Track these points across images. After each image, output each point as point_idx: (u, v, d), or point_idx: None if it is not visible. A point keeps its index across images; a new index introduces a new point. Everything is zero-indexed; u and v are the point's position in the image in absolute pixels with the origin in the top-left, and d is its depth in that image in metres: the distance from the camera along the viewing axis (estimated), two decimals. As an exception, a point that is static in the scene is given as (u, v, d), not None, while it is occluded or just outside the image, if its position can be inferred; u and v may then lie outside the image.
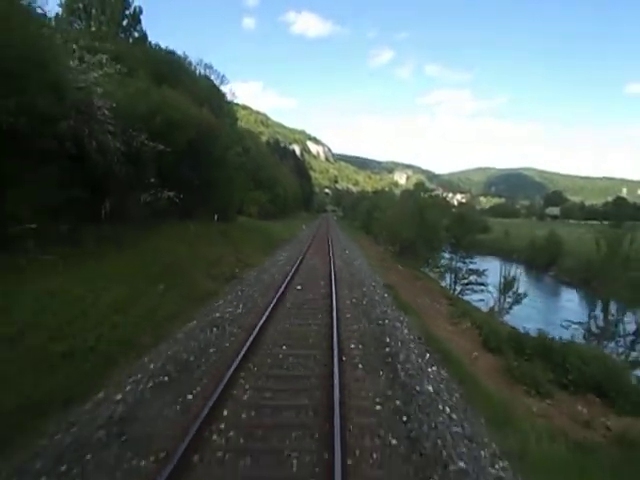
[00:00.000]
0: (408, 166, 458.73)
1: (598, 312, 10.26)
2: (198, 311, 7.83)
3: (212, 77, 35.58)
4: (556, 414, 5.16)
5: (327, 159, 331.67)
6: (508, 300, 14.10)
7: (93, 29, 23.44)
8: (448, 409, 4.28)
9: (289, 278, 10.79)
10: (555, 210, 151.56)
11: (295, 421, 3.82)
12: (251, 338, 5.87)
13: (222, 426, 3.64)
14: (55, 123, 8.43)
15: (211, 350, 5.56)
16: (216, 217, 17.16)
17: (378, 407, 4.13)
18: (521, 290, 14.68)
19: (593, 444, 4.27)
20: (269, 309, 7.50)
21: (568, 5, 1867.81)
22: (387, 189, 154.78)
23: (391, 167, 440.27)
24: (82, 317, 6.15)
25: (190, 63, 32.10)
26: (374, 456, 3.30)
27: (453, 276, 20.57)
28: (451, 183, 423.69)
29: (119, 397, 4.12)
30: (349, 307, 8.37)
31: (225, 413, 3.88)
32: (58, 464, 3.04)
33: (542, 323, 11.42)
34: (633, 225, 15.75)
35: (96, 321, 6.13)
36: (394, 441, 3.52)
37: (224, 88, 35.82)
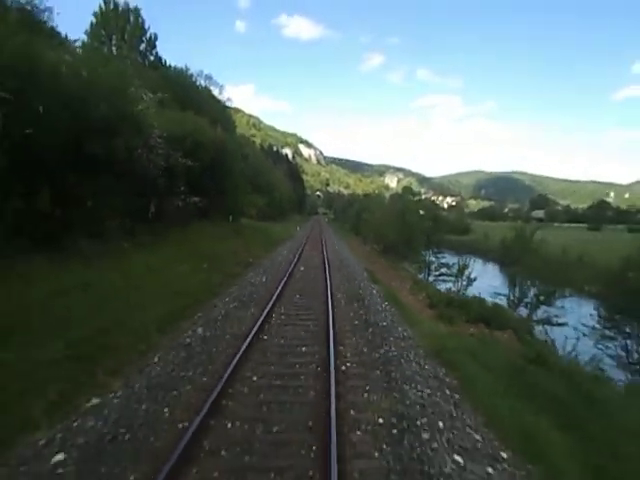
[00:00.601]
0: (399, 169, 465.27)
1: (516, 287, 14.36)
2: (235, 282, 11.55)
3: (211, 87, 39.30)
4: (455, 330, 9.02)
5: (319, 162, 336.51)
6: (464, 283, 18.22)
7: (115, 53, 27.04)
8: (390, 316, 8.15)
9: (293, 264, 14.57)
10: (540, 213, 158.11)
11: (309, 318, 7.61)
12: (276, 292, 9.62)
13: (271, 322, 7.42)
14: (133, 152, 12.13)
15: (255, 296, 9.33)
16: (230, 218, 20.87)
17: (351, 313, 7.98)
18: (476, 276, 18.80)
19: (464, 336, 8.16)
20: (284, 280, 11.26)
21: (557, 13, 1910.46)
22: (377, 192, 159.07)
23: (382, 170, 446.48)
24: (170, 278, 9.88)
25: (191, 74, 35.50)
26: (347, 326, 7.12)
27: (426, 269, 24.54)
28: (442, 186, 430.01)
29: (222, 311, 7.87)
30: (338, 279, 12.17)
31: (273, 319, 7.65)
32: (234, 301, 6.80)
33: (487, 295, 15.36)
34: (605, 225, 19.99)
35: (180, 280, 9.86)
36: (356, 322, 7.37)
37: (222, 97, 39.50)
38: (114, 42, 27.61)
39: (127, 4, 28.30)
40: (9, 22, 9.06)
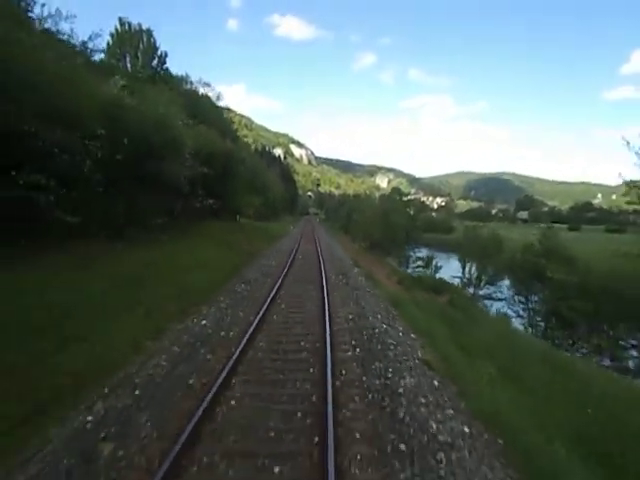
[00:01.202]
0: (390, 170, 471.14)
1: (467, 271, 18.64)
2: (251, 264, 15.33)
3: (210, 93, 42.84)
4: (410, 294, 12.96)
5: (310, 162, 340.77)
6: (432, 270, 22.46)
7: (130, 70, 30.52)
8: (365, 284, 12.08)
9: (293, 254, 18.38)
10: (525, 214, 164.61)
11: (310, 282, 11.45)
12: (285, 269, 13.44)
13: (285, 278, 11.26)
14: (172, 167, 15.83)
15: (270, 270, 13.15)
16: (238, 217, 24.63)
17: (338, 282, 11.88)
18: (442, 265, 23.04)
19: (414, 296, 12.12)
20: (288, 263, 15.07)
21: (549, 14, 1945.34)
22: (368, 192, 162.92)
23: (374, 170, 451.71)
24: (206, 260, 13.64)
25: (191, 81, 38.81)
26: (335, 286, 11.00)
27: (405, 261, 28.63)
28: (432, 187, 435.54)
29: (251, 276, 11.67)
30: (330, 265, 16.01)
31: (287, 278, 11.47)
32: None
33: (447, 278, 19.44)
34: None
35: (213, 261, 13.64)
36: (341, 284, 11.28)
37: (221, 103, 43.05)
38: (128, 59, 31.09)
39: (140, 25, 31.84)
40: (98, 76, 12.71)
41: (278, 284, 10.52)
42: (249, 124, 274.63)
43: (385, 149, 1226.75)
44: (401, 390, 4.79)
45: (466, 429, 4.24)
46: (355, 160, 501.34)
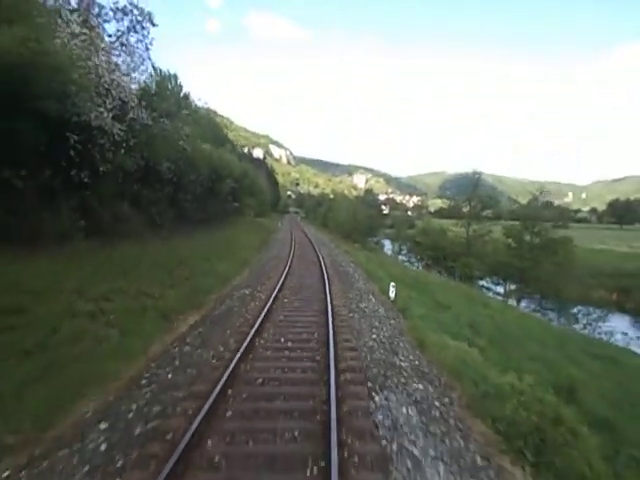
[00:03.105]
0: (368, 169, 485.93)
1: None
2: (274, 237, 27.07)
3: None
4: (369, 256, 25.06)
5: (289, 162, 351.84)
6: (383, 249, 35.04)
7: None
8: (341, 254, 24.27)
9: (292, 235, 30.21)
10: (488, 212, 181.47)
11: (310, 250, 23.40)
12: (291, 242, 25.31)
13: (291, 261, 23.21)
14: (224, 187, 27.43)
15: (284, 242, 25.05)
16: (253, 214, 36.33)
17: (325, 252, 24.00)
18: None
19: (358, 252, 24.29)
20: (292, 238, 26.92)
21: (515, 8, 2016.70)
22: (346, 192, 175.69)
23: (351, 170, 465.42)
24: (251, 235, 25.39)
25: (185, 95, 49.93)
26: (321, 249, 23.04)
27: (365, 244, 41.03)
28: (409, 186, 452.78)
29: (274, 252, 23.55)
30: (316, 241, 27.99)
31: (295, 243, 23.35)
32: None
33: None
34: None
35: (254, 235, 25.44)
36: (328, 252, 23.42)
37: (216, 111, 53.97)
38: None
39: (168, 71, 42.74)
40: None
41: (294, 241, 22.39)
42: (229, 125, 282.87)
43: (363, 149, 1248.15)
44: (347, 270, 16.86)
45: (353, 269, 16.34)
46: (333, 160, 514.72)
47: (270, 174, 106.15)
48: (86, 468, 3.50)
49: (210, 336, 7.22)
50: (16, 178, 8.52)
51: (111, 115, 11.10)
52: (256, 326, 7.17)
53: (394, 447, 3.89)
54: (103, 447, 3.79)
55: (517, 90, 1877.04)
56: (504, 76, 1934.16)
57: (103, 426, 4.17)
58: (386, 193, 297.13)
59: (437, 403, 5.03)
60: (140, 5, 14.13)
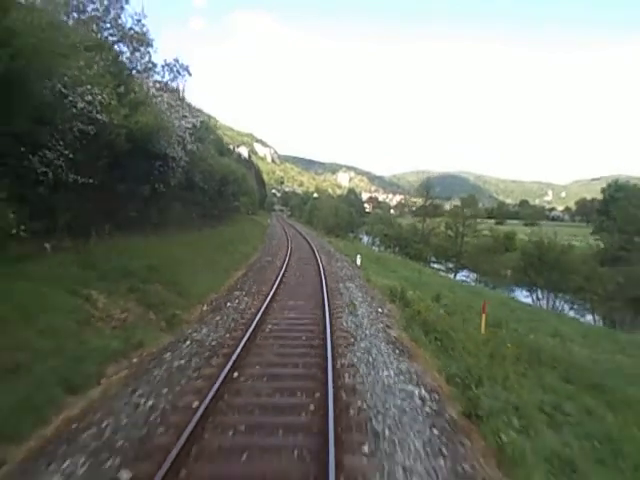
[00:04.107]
0: (351, 167, 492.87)
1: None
2: (271, 230, 33.80)
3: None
4: (348, 246, 32.07)
5: (273, 160, 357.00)
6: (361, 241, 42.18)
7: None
8: (326, 243, 31.26)
9: (284, 229, 36.97)
10: (465, 212, 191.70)
11: (303, 239, 30.29)
12: (286, 234, 32.13)
13: (290, 245, 30.11)
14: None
15: (279, 235, 31.86)
16: (249, 211, 42.98)
17: (313, 241, 30.95)
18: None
19: (338, 242, 31.36)
20: (285, 231, 33.71)
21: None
22: (330, 191, 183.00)
23: (335, 168, 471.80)
24: (252, 228, 32.09)
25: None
26: (314, 243, 29.97)
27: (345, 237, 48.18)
28: (392, 184, 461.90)
29: (275, 240, 30.39)
30: (308, 238, 34.82)
31: (289, 234, 30.20)
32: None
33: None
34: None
35: (255, 228, 32.17)
36: (316, 241, 30.35)
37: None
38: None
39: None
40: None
41: (287, 234, 29.20)
42: (214, 123, 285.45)
43: (346, 147, 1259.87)
44: (330, 250, 23.83)
45: (334, 250, 23.32)
46: (317, 158, 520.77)
47: (257, 174, 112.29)
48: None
49: (260, 272, 14.00)
50: (140, 190, 15.15)
51: (180, 147, 17.69)
52: (282, 270, 14.02)
53: (344, 292, 10.82)
54: (248, 285, 10.62)
55: (501, 91, 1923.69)
56: (487, 76, 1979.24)
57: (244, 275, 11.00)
58: (369, 192, 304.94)
59: (368, 294, 11.95)
60: (181, 61, 20.66)
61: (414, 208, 56.97)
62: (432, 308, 9.74)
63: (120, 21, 16.74)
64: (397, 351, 6.53)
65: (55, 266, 7.70)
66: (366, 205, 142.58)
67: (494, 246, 31.85)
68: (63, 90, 9.58)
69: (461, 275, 31.29)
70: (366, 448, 3.66)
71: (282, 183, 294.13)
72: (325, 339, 6.32)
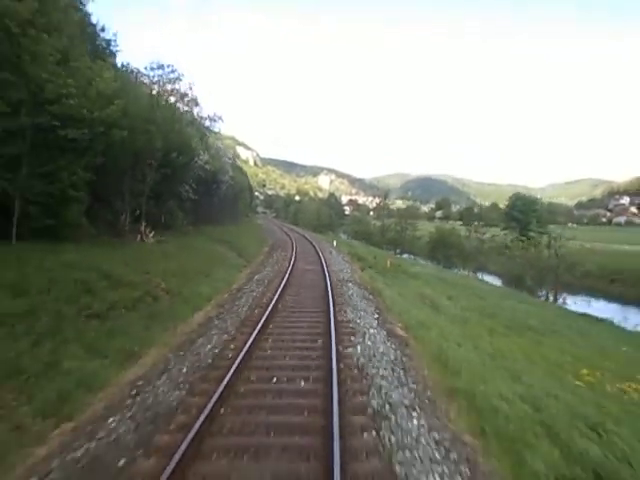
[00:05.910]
0: (332, 170, 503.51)
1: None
2: (268, 229, 45.15)
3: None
4: (321, 236, 43.67)
5: (255, 164, 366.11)
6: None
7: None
8: (316, 237, 42.95)
9: (280, 230, 48.37)
10: (439, 213, 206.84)
11: (295, 232, 41.84)
12: (284, 231, 43.56)
13: (294, 244, 41.61)
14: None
15: (277, 233, 43.37)
16: (248, 214, 54.29)
17: (307, 236, 42.60)
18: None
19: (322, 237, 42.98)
20: (280, 230, 45.16)
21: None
22: (312, 193, 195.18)
23: (316, 171, 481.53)
24: (253, 226, 43.42)
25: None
26: (309, 237, 41.56)
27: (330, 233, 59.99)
28: (372, 187, 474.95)
29: (277, 234, 41.91)
30: (304, 233, 46.29)
31: (284, 230, 41.67)
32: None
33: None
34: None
35: (254, 230, 43.56)
36: (311, 236, 41.98)
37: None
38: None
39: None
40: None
41: (284, 231, 40.68)
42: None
43: (327, 150, 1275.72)
44: (318, 237, 35.50)
45: (320, 239, 35.00)
46: (298, 161, 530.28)
47: (246, 177, 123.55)
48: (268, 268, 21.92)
49: (279, 244, 25.36)
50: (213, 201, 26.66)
51: (227, 175, 29.08)
52: (294, 255, 25.61)
53: (327, 250, 22.48)
54: (277, 248, 22.14)
55: (480, 97, 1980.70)
56: (466, 82, 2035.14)
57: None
58: (350, 194, 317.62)
59: (339, 253, 23.50)
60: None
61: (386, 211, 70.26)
62: (366, 255, 21.58)
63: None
64: (344, 261, 18.31)
65: (197, 235, 19.39)
66: (346, 207, 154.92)
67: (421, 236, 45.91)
68: (194, 158, 21.22)
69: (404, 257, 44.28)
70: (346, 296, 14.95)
71: (264, 186, 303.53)
72: (322, 263, 18.01)
